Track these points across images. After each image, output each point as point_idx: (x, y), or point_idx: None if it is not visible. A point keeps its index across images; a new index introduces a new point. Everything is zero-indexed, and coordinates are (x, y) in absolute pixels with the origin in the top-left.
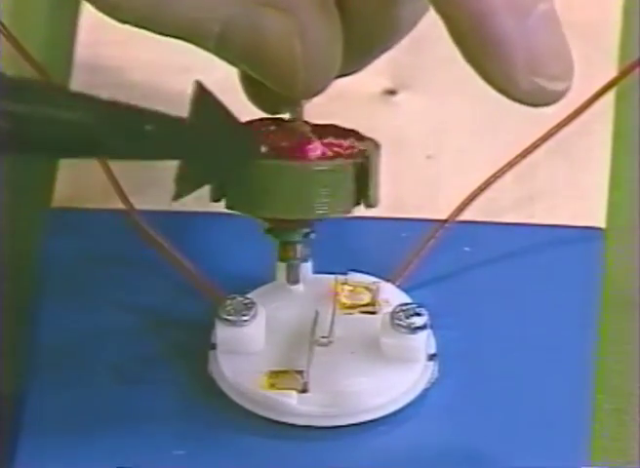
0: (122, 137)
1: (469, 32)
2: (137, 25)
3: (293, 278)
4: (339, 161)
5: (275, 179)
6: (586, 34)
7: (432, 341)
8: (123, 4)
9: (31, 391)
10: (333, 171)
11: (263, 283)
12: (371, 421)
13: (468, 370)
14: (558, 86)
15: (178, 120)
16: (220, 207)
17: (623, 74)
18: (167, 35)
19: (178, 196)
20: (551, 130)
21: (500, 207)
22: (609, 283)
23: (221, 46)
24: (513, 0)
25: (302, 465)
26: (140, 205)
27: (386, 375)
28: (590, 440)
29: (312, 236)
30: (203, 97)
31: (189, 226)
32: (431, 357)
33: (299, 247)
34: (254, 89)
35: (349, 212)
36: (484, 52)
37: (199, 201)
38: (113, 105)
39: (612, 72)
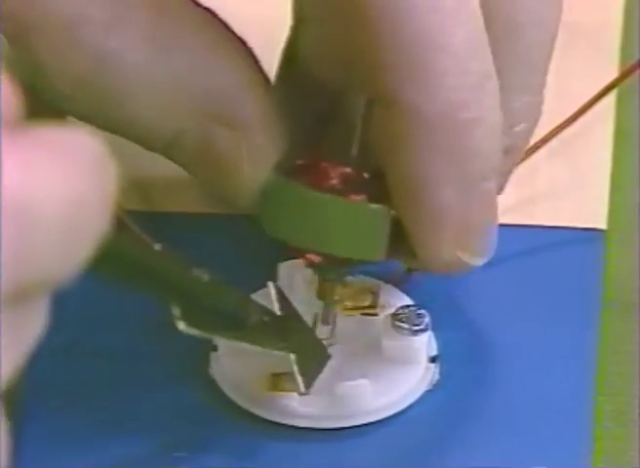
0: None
1: (410, 196)
2: (82, 119)
3: (324, 319)
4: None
5: (335, 215)
6: (587, 35)
7: (434, 343)
8: (74, 96)
9: (31, 390)
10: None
11: (265, 285)
12: (372, 423)
13: (470, 372)
14: (476, 261)
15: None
16: (221, 208)
17: (624, 75)
18: (114, 133)
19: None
20: (552, 131)
21: (500, 208)
22: (609, 284)
23: (170, 151)
24: (461, 174)
25: (303, 467)
26: (140, 206)
27: (388, 377)
28: (591, 441)
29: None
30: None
31: (190, 228)
32: (433, 359)
33: (337, 287)
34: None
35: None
36: (419, 218)
37: (200, 202)
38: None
39: (613, 73)
